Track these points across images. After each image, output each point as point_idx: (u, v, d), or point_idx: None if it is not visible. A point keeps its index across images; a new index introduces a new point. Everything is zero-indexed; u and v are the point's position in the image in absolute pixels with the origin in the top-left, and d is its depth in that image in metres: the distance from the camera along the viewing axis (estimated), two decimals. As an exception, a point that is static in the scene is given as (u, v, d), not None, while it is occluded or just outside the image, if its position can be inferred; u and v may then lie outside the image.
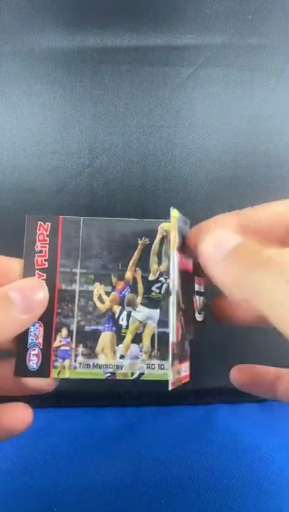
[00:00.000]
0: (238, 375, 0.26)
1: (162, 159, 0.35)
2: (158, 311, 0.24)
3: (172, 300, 0.21)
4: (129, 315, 0.24)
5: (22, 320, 0.21)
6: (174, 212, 0.22)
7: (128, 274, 0.24)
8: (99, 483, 0.30)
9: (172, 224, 0.22)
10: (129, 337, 0.24)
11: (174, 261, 0.22)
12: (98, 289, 0.24)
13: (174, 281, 0.22)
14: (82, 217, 0.24)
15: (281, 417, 0.36)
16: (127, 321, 0.24)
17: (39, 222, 0.24)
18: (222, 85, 0.35)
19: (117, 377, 0.23)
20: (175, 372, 0.22)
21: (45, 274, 0.24)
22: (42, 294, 0.22)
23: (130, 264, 0.24)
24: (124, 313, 0.24)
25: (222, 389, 0.37)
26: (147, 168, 0.35)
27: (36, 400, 0.36)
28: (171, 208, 0.22)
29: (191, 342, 0.24)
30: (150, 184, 0.35)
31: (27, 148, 0.34)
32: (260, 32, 0.34)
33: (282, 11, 0.34)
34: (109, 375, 0.24)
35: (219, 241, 0.20)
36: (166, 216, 0.23)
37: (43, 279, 0.24)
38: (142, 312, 0.24)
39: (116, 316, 0.24)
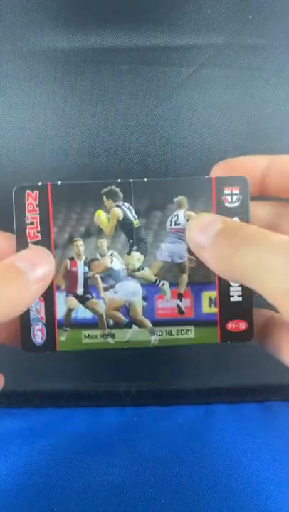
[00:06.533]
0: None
1: (162, 159, 0.35)
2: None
3: None
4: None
5: (35, 289, 0.21)
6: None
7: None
8: (99, 483, 0.30)
9: None
10: None
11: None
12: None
13: None
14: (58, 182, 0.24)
15: (281, 417, 0.36)
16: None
17: (27, 191, 0.23)
18: (222, 85, 0.35)
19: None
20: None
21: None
22: (49, 260, 0.22)
23: None
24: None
25: (222, 389, 0.37)
26: (147, 168, 0.35)
27: (36, 400, 0.37)
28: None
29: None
30: (150, 184, 0.35)
31: (27, 148, 0.34)
32: (260, 32, 0.34)
33: (282, 11, 0.34)
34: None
35: (204, 226, 0.20)
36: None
37: None
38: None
39: None
